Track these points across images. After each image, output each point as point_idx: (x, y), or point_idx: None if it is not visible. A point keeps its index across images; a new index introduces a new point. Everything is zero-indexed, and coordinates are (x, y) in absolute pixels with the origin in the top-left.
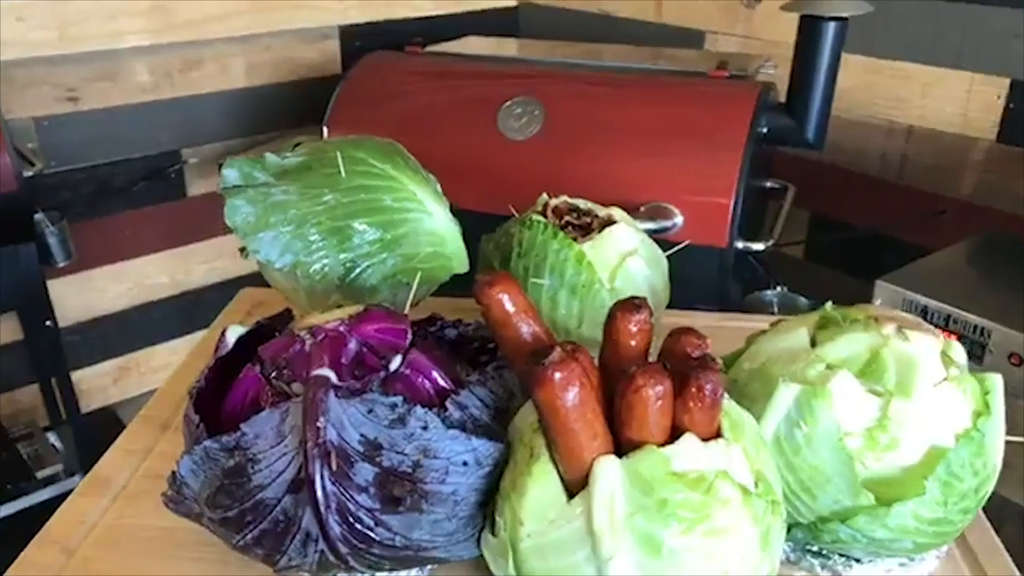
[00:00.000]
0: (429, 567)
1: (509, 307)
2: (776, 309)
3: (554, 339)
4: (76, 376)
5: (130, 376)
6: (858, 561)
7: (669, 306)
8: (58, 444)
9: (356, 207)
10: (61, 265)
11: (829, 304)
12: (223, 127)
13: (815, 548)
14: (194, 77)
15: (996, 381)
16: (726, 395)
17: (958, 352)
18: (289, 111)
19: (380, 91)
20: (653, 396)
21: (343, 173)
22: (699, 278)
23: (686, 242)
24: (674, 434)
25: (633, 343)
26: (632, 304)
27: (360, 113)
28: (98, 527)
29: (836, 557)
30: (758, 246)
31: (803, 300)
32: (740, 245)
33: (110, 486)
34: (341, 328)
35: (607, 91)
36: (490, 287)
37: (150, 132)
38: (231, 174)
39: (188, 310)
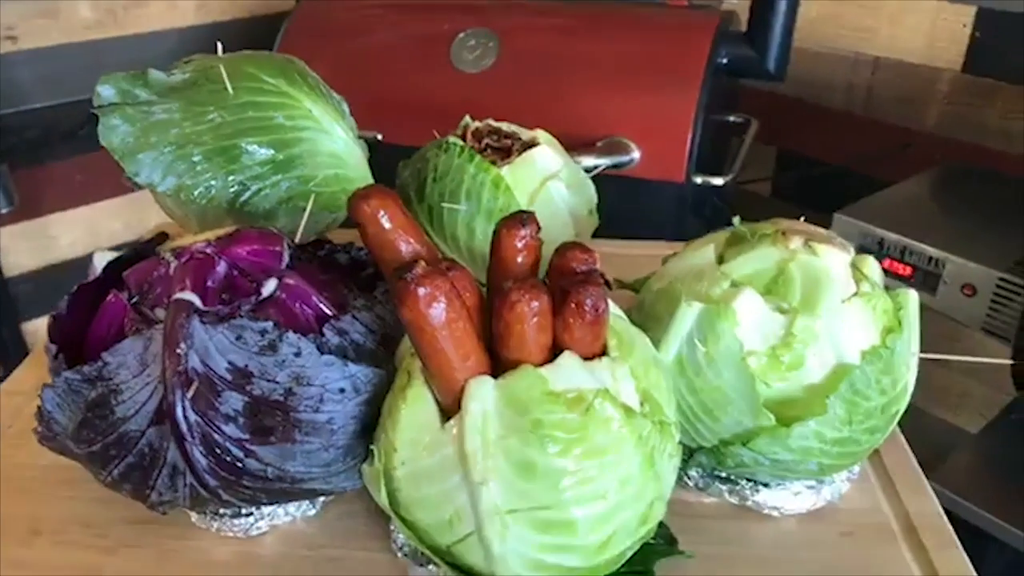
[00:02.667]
0: (322, 499)
1: (385, 224)
2: None
3: (436, 257)
4: (32, 326)
5: None
6: (766, 485)
7: (623, 238)
8: None
9: (244, 125)
10: (3, 212)
11: (737, 219)
12: None
13: (723, 474)
14: (140, 14)
15: (910, 296)
16: (622, 314)
17: (872, 267)
18: (242, 48)
19: (329, 25)
20: (529, 313)
21: (230, 90)
22: (657, 213)
23: (604, 163)
24: (556, 354)
25: (519, 259)
26: (518, 219)
27: (308, 49)
28: None
29: (744, 482)
30: (717, 181)
31: None
32: (699, 180)
33: None
34: (208, 250)
35: (563, 22)
36: (364, 201)
37: (96, 72)
38: (106, 91)
39: None
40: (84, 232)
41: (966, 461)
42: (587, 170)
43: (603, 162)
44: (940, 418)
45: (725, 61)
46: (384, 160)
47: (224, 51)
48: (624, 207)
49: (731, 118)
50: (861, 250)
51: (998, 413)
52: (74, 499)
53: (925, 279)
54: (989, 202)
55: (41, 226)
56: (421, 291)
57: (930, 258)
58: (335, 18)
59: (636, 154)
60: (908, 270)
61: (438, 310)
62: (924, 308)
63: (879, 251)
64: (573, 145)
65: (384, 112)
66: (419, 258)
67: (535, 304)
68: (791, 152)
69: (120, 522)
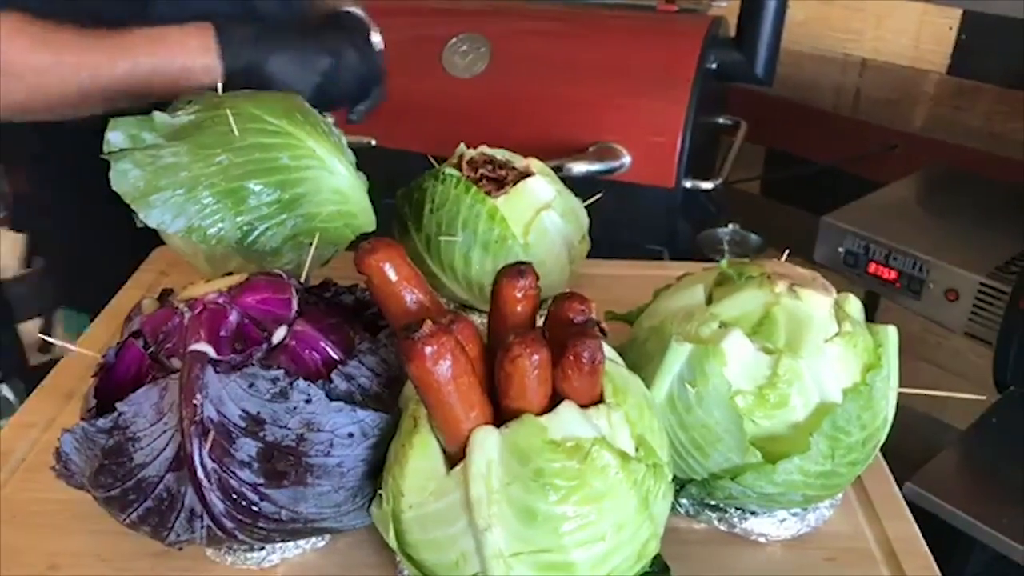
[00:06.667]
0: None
1: (391, 276)
2: (727, 247)
3: (441, 308)
4: (27, 327)
5: None
6: (753, 513)
7: (615, 243)
8: (10, 396)
9: (251, 167)
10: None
11: (725, 261)
12: None
13: (712, 503)
14: None
15: (889, 334)
16: (617, 357)
17: (854, 306)
18: None
19: None
20: (530, 365)
21: (236, 132)
22: (647, 218)
23: (600, 194)
24: (555, 401)
25: (519, 309)
26: (516, 270)
27: None
28: None
29: (732, 510)
30: (707, 185)
31: (755, 237)
32: (688, 184)
33: (8, 460)
34: (221, 300)
35: (554, 27)
36: (370, 255)
37: None
38: (116, 137)
39: (140, 258)
40: None
41: (948, 465)
42: (579, 193)
43: (594, 168)
44: (925, 414)
45: (714, 66)
46: (377, 166)
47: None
48: (614, 212)
49: (720, 120)
50: (847, 254)
51: (980, 416)
52: (90, 532)
53: (910, 283)
54: (972, 206)
55: None
56: (428, 350)
57: (915, 263)
58: None
59: (626, 159)
60: (893, 274)
61: (444, 367)
62: (908, 312)
63: (865, 255)
64: (564, 151)
65: (376, 117)
66: (423, 309)
67: (535, 357)
68: (779, 152)
69: (137, 555)
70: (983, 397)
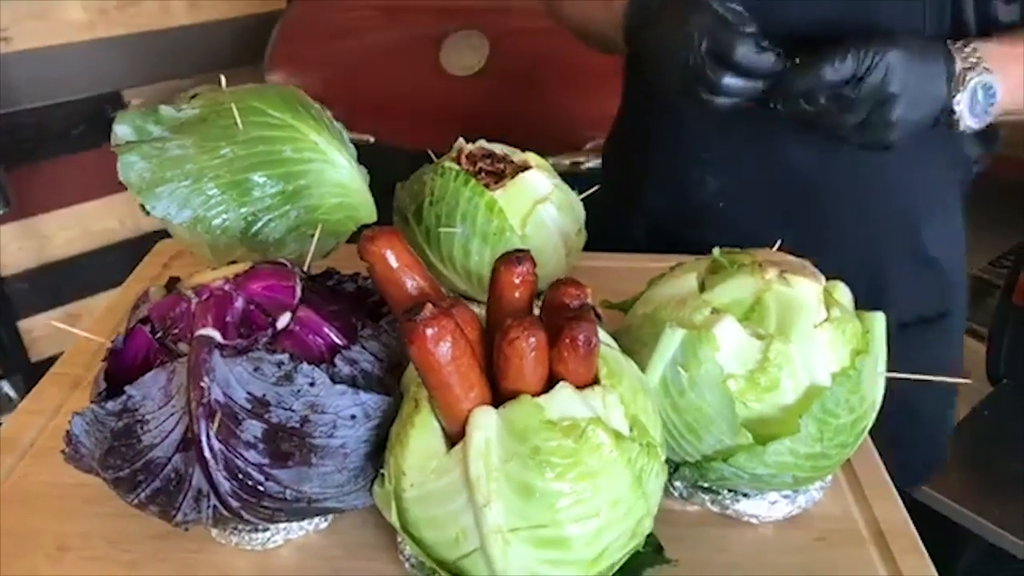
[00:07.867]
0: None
1: (393, 263)
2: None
3: (441, 293)
4: (27, 324)
5: (82, 322)
6: (745, 495)
7: None
8: (12, 393)
9: (255, 159)
10: (0, 213)
11: (717, 249)
12: (165, 67)
13: (705, 485)
14: (132, 14)
15: (877, 320)
16: (612, 342)
17: (842, 293)
18: (234, 49)
19: (321, 27)
20: (527, 348)
21: (240, 125)
22: None
23: (596, 187)
24: (552, 383)
25: (517, 295)
26: (514, 257)
27: (301, 51)
28: (4, 485)
29: (725, 492)
30: None
31: None
32: None
33: (16, 445)
34: (227, 287)
35: (552, 24)
36: (372, 243)
37: (88, 73)
38: (123, 129)
39: (140, 254)
40: (79, 231)
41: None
42: (580, 191)
43: (593, 164)
44: None
45: None
46: (376, 162)
47: (218, 50)
48: None
49: None
50: None
51: (973, 409)
52: (99, 515)
53: None
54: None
55: (35, 225)
56: (429, 331)
57: None
58: (326, 20)
59: None
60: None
61: (445, 348)
62: None
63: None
64: (562, 147)
65: (376, 114)
66: (424, 295)
67: (532, 340)
68: None
69: (144, 537)
70: (968, 380)
